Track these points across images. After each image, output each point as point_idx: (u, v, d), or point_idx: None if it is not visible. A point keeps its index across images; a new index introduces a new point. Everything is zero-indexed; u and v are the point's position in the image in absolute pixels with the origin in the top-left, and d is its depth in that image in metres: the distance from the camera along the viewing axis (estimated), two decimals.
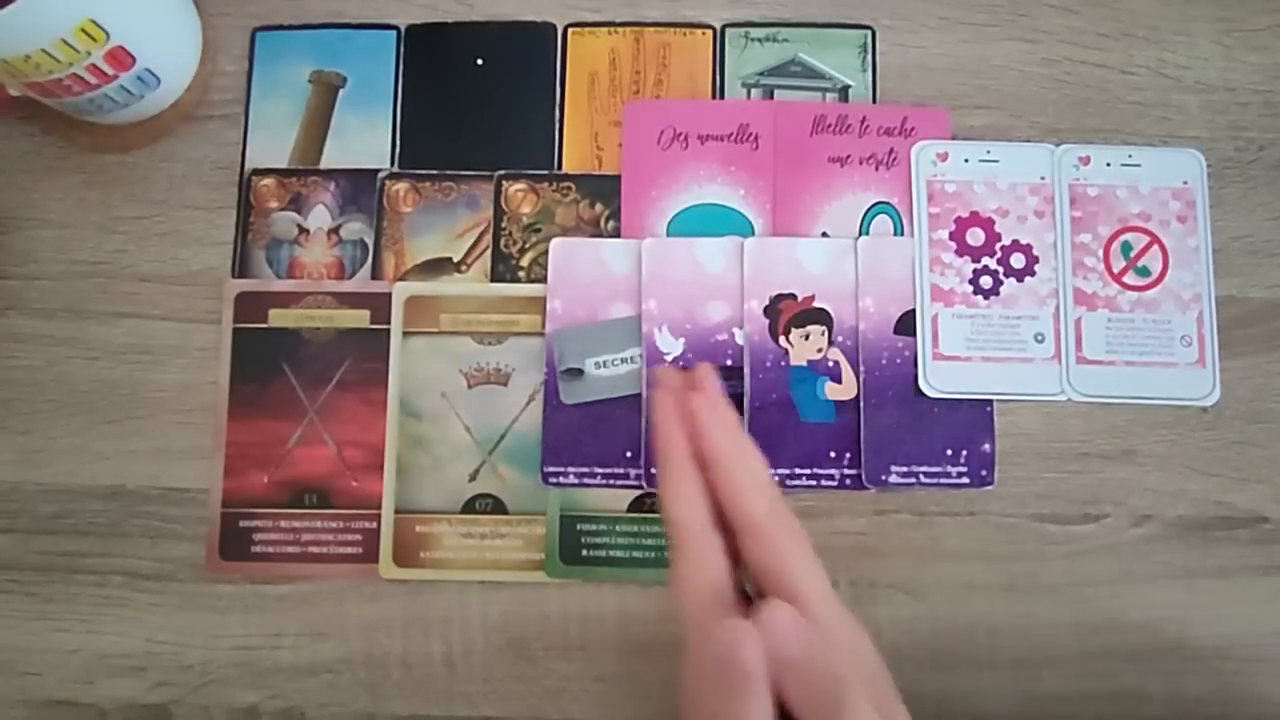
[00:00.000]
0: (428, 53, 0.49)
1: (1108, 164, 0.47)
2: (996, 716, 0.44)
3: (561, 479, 0.45)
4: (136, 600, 0.45)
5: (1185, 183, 0.47)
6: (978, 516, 0.45)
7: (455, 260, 0.47)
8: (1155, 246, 0.46)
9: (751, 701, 0.29)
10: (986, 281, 0.46)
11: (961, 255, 0.46)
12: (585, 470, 0.45)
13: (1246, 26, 0.49)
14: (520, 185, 0.48)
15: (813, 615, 0.31)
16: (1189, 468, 0.45)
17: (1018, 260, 0.46)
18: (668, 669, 0.44)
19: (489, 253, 0.47)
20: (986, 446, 0.45)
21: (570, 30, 0.49)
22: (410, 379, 0.46)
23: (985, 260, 0.46)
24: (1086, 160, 0.47)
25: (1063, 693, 0.43)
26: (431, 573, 0.45)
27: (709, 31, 0.49)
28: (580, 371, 0.45)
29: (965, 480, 0.45)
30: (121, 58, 0.44)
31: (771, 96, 0.48)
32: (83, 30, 0.41)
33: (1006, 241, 0.46)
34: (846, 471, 0.45)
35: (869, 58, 0.49)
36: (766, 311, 0.46)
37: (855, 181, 0.47)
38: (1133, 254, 0.46)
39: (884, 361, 0.45)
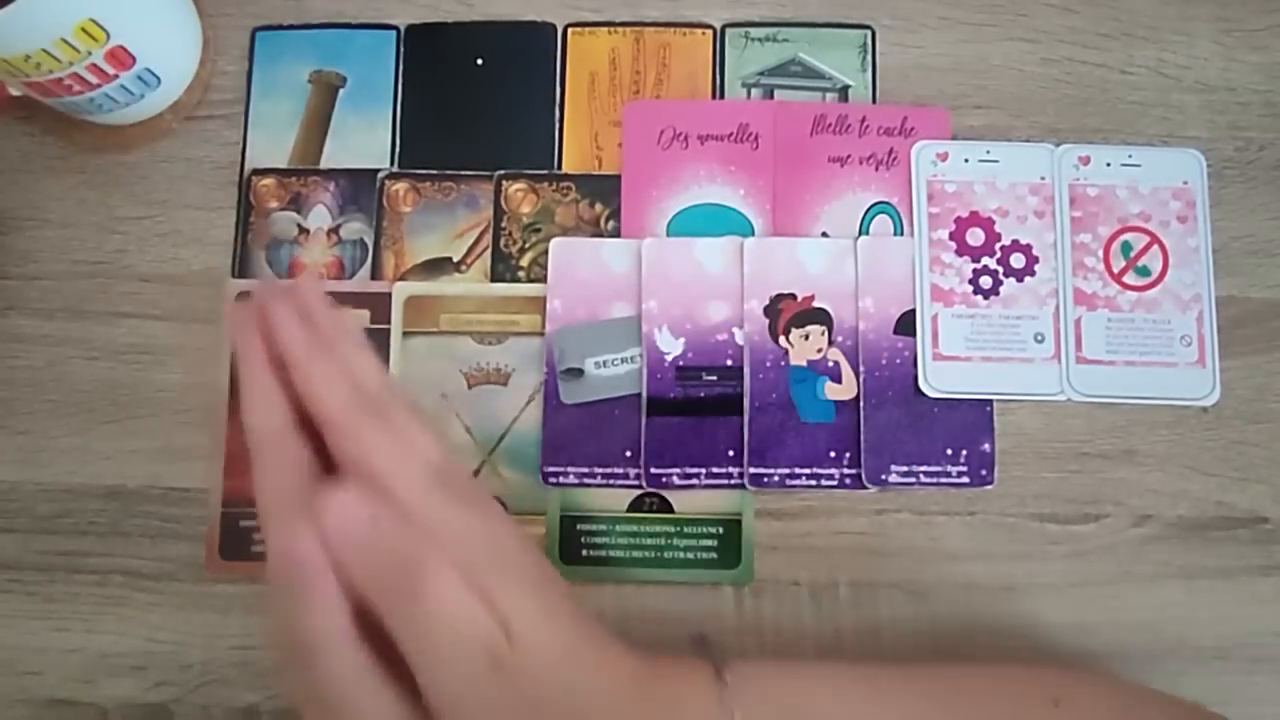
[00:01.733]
0: (428, 53, 0.49)
1: (1108, 164, 0.47)
2: None
3: (561, 479, 0.45)
4: (136, 600, 0.45)
5: (1185, 183, 0.47)
6: (978, 516, 0.45)
7: (455, 260, 0.47)
8: (1155, 246, 0.46)
9: (315, 597, 0.28)
10: (986, 281, 0.46)
11: (961, 255, 0.46)
12: (585, 470, 0.45)
13: (1246, 26, 0.49)
14: (520, 185, 0.48)
15: (395, 498, 0.29)
16: (1189, 468, 0.45)
17: (1018, 260, 0.46)
18: None
19: (489, 253, 0.47)
20: (986, 446, 0.45)
21: (570, 30, 0.49)
22: (410, 379, 0.46)
23: (985, 260, 0.46)
24: (1086, 160, 0.47)
25: None
26: None
27: (709, 31, 0.49)
28: (580, 371, 0.45)
29: (965, 480, 0.45)
30: (121, 57, 0.44)
31: (771, 96, 0.48)
32: (83, 30, 0.41)
33: (1006, 241, 0.46)
34: (846, 471, 0.45)
35: (869, 58, 0.49)
36: (766, 311, 0.46)
37: (855, 181, 0.47)
38: (1133, 254, 0.46)
39: (884, 361, 0.45)
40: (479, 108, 0.49)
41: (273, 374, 0.31)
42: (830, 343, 0.46)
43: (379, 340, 0.46)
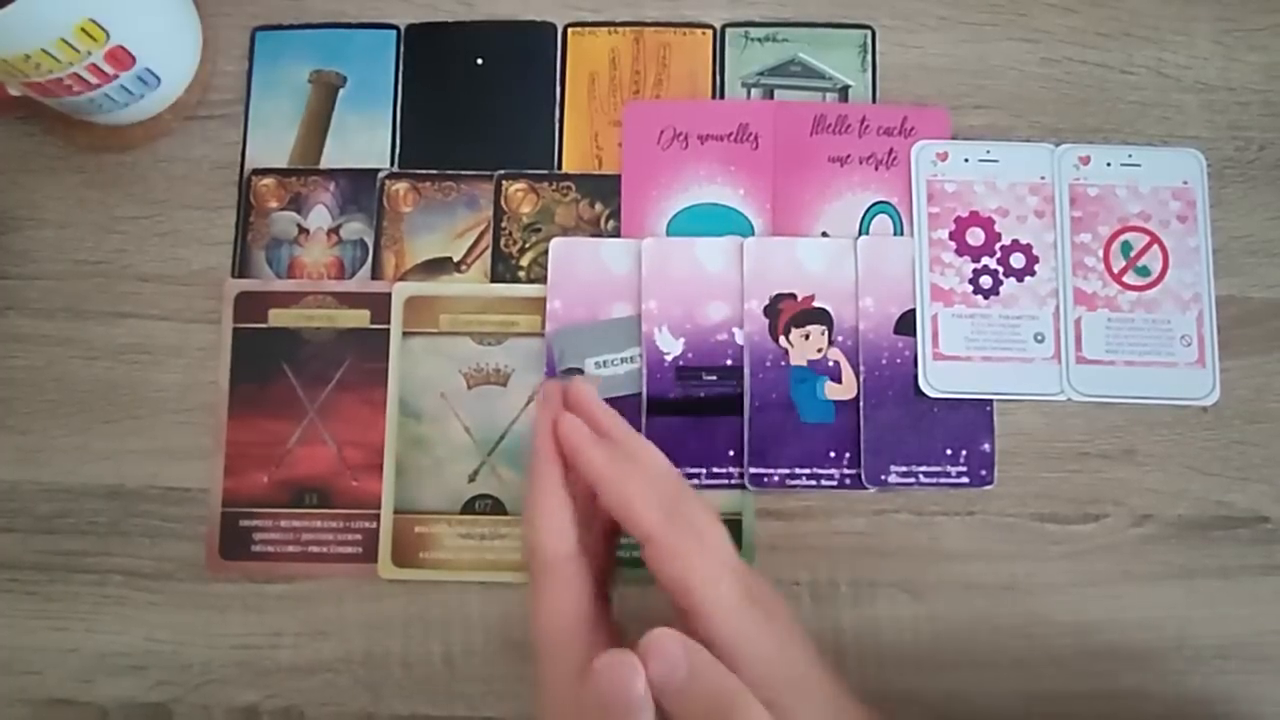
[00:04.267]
0: (428, 53, 0.49)
1: (1108, 164, 0.47)
2: (997, 716, 0.44)
3: None
4: (136, 599, 0.45)
5: (1185, 182, 0.47)
6: (978, 516, 0.45)
7: (455, 260, 0.47)
8: (1155, 246, 0.46)
9: None
10: (986, 281, 0.46)
11: (961, 255, 0.46)
12: None
13: (1246, 26, 0.49)
14: (520, 185, 0.48)
15: (712, 629, 0.31)
16: (1189, 468, 0.45)
17: (1018, 260, 0.46)
18: None
19: (489, 253, 0.47)
20: (986, 446, 0.45)
21: (570, 30, 0.49)
22: (410, 379, 0.46)
23: (985, 260, 0.46)
24: (1086, 160, 0.47)
25: (1063, 693, 0.43)
26: (430, 573, 0.45)
27: (709, 31, 0.49)
28: (580, 371, 0.45)
29: (965, 480, 0.45)
30: (121, 57, 0.44)
31: (771, 96, 0.48)
32: (83, 30, 0.41)
33: (1006, 241, 0.46)
34: (846, 471, 0.45)
35: (869, 58, 0.49)
36: (766, 311, 0.46)
37: (855, 181, 0.47)
38: (1133, 254, 0.46)
39: (884, 361, 0.45)
40: (479, 108, 0.49)
41: (564, 492, 0.34)
42: (830, 342, 0.46)
43: (379, 341, 0.46)
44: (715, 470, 0.45)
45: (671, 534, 0.32)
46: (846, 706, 0.33)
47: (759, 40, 0.49)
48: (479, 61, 0.49)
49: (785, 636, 0.33)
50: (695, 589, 0.31)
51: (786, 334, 0.46)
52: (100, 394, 0.46)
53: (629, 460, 0.35)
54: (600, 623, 0.33)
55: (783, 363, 0.45)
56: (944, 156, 0.47)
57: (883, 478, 0.45)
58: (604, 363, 0.46)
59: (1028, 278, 0.46)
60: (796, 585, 0.44)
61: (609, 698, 0.29)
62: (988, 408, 0.45)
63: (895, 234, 0.47)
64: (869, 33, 0.49)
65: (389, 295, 0.46)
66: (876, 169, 0.47)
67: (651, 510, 0.33)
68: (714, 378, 0.45)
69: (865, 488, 0.45)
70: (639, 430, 0.45)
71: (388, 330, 0.46)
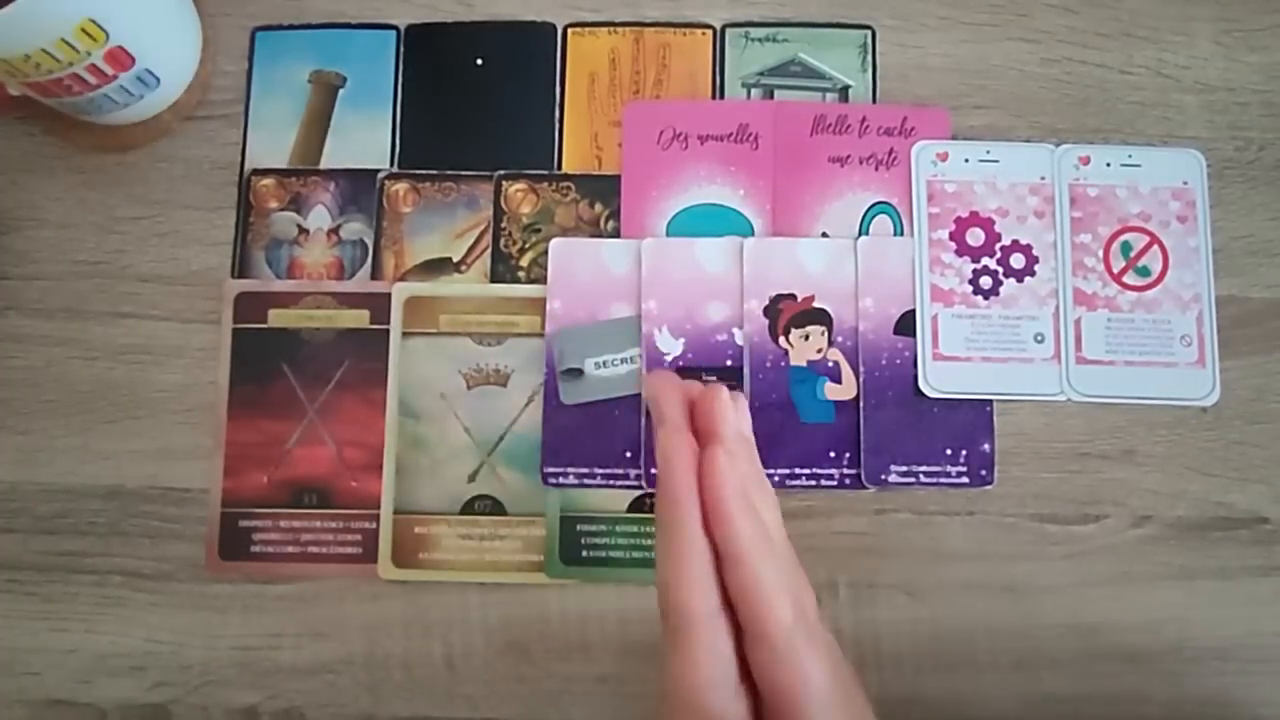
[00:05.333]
0: (428, 53, 0.49)
1: (1108, 164, 0.47)
2: (996, 718, 0.44)
3: (561, 479, 0.45)
4: (136, 600, 0.45)
5: (1185, 183, 0.47)
6: (978, 516, 0.45)
7: (455, 260, 0.47)
8: (1155, 246, 0.46)
9: None
10: (986, 282, 0.46)
11: (961, 255, 0.46)
12: (585, 471, 0.45)
13: (1246, 26, 0.49)
14: (520, 185, 0.48)
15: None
16: (1189, 468, 0.45)
17: (1018, 260, 0.46)
18: None
19: (489, 253, 0.47)
20: (986, 446, 0.45)
21: (570, 30, 0.49)
22: (409, 379, 0.46)
23: (985, 260, 0.46)
24: (1086, 160, 0.47)
25: (1063, 694, 0.43)
26: (430, 574, 0.45)
27: (709, 31, 0.49)
28: (580, 372, 0.45)
29: (965, 480, 0.45)
30: (121, 58, 0.44)
31: (771, 96, 0.48)
32: (83, 30, 0.41)
33: (1006, 241, 0.46)
34: (846, 471, 0.45)
35: (869, 58, 0.49)
36: (766, 312, 0.46)
37: (855, 181, 0.47)
38: (1133, 254, 0.46)
39: (884, 361, 0.45)
40: (479, 108, 0.49)
41: (705, 539, 0.29)
42: (830, 343, 0.46)
43: (379, 341, 0.46)
44: None
45: (798, 639, 0.28)
46: None
47: (759, 40, 0.49)
48: (479, 62, 0.49)
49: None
50: (801, 707, 0.28)
51: (786, 334, 0.46)
52: (100, 394, 0.46)
53: (765, 530, 0.29)
54: (740, 690, 0.28)
55: (782, 363, 0.45)
56: (944, 157, 0.47)
57: (883, 478, 0.45)
58: (604, 363, 0.46)
59: (1028, 278, 0.46)
60: None
61: None
62: (988, 408, 0.45)
63: (895, 234, 0.47)
64: (869, 33, 0.49)
65: (389, 295, 0.46)
66: (876, 169, 0.47)
67: (785, 608, 0.28)
68: (714, 378, 0.45)
69: (865, 488, 0.45)
70: (638, 431, 0.45)
71: (387, 330, 0.46)
